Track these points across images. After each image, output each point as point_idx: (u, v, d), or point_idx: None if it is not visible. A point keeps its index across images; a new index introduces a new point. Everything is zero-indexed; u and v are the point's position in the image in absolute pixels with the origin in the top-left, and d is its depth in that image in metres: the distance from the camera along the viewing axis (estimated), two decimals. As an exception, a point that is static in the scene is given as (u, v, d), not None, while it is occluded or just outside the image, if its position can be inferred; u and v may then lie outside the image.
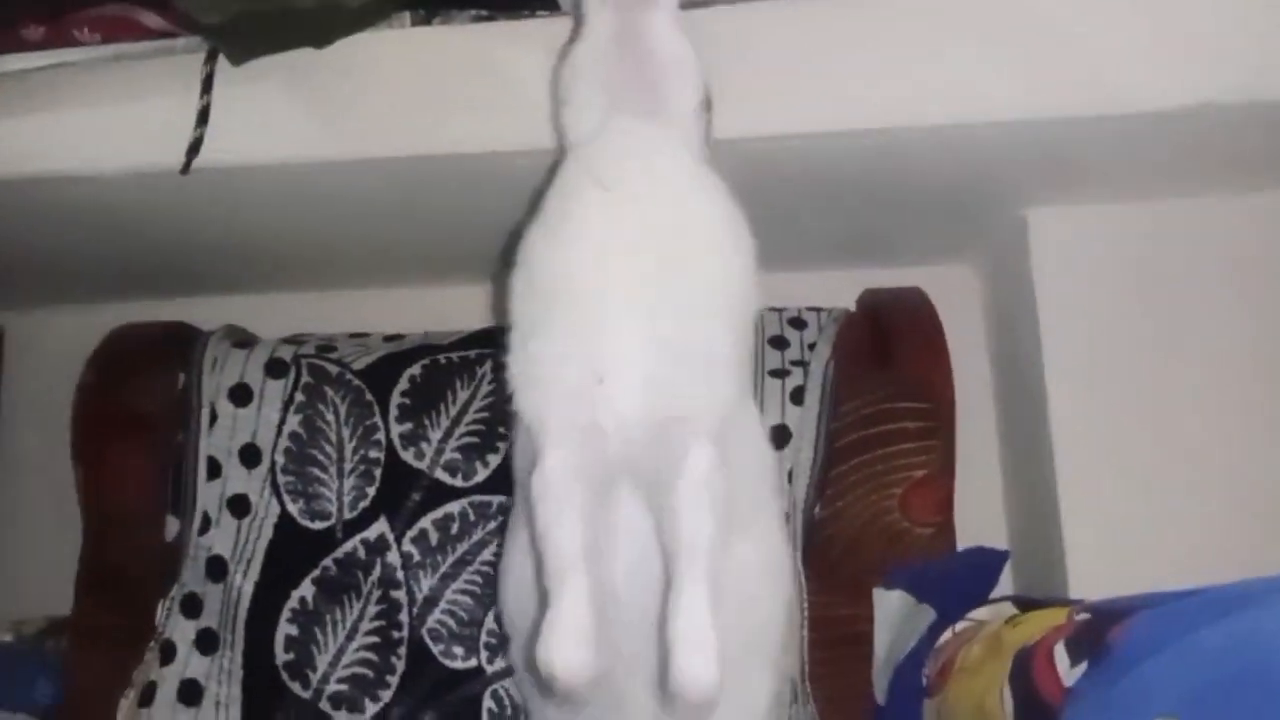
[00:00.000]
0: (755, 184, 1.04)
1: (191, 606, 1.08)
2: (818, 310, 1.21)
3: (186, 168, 0.91)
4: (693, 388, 0.71)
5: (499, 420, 1.12)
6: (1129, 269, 1.11)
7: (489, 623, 1.06)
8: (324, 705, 1.05)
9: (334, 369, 1.14)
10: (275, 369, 1.14)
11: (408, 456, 1.10)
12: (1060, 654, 0.62)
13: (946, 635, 0.88)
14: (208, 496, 1.10)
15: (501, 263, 0.87)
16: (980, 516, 1.17)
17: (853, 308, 1.24)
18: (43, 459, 1.27)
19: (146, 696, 1.04)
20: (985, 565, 1.01)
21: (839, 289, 1.26)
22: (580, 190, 0.76)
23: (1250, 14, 0.89)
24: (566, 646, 0.65)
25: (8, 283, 1.31)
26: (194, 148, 0.92)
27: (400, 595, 1.07)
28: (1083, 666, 0.59)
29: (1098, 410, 1.09)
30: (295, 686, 1.05)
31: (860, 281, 1.27)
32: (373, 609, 1.07)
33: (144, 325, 1.23)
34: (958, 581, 0.98)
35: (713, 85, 0.84)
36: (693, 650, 0.65)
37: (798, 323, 1.19)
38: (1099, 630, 0.59)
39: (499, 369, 1.14)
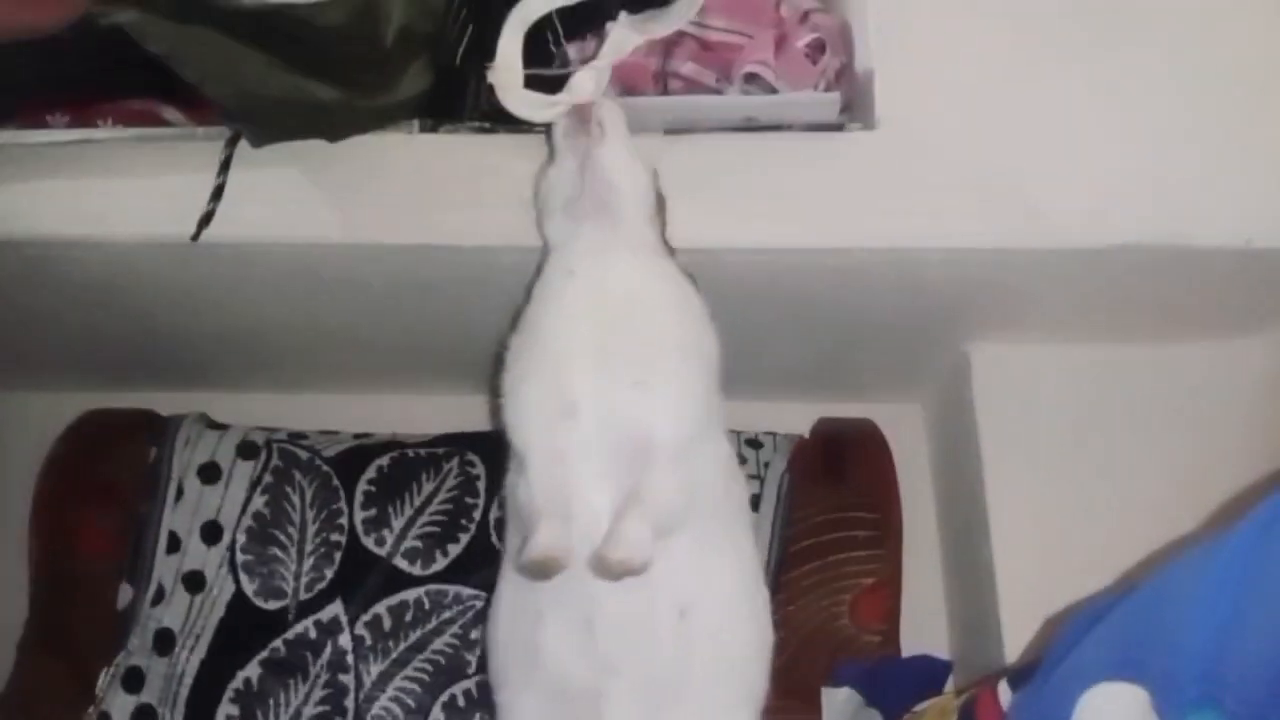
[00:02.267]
0: (726, 299, 1.13)
1: (133, 681, 1.06)
2: (773, 434, 1.27)
3: (196, 236, 0.97)
4: (652, 416, 0.84)
5: (461, 513, 1.15)
6: (1066, 407, 1.19)
7: (436, 711, 1.05)
8: (260, 792, 1.02)
9: (304, 454, 1.17)
10: (247, 450, 1.16)
11: (369, 542, 1.12)
12: (1003, 690, 0.65)
13: (895, 725, 0.89)
14: (164, 569, 1.10)
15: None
16: (923, 634, 1.19)
17: (807, 435, 1.30)
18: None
19: (77, 770, 1.01)
20: (930, 673, 1.03)
21: (795, 419, 1.33)
22: (555, 278, 0.92)
23: (1177, 163, 1.00)
24: (545, 532, 0.79)
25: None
26: (205, 220, 0.98)
27: (348, 679, 1.06)
28: (1021, 692, 0.62)
29: (1037, 538, 1.14)
30: (231, 770, 1.03)
31: (814, 414, 1.35)
32: (319, 693, 1.06)
33: (117, 409, 1.25)
34: (903, 686, 0.99)
35: (668, 196, 0.99)
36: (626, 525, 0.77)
37: (754, 443, 1.25)
38: (1036, 658, 0.62)
39: (465, 466, 1.19)
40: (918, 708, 0.90)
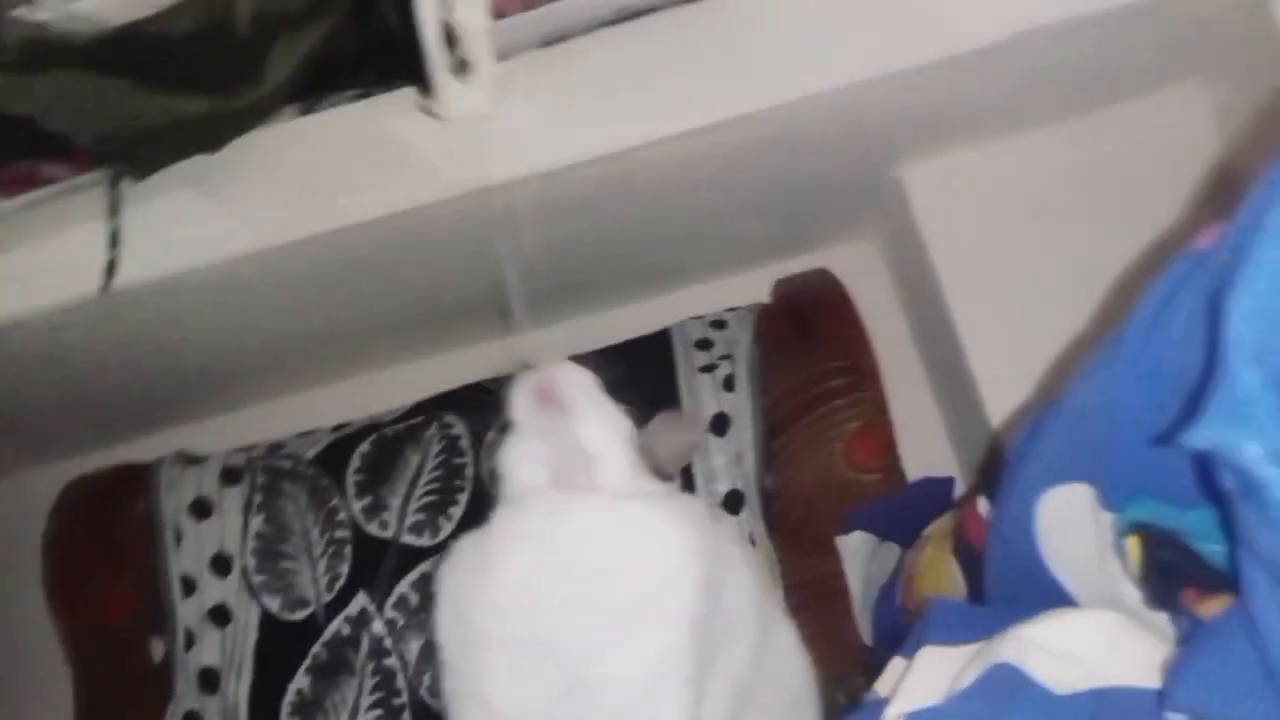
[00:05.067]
0: (653, 196, 1.12)
1: (192, 723, 1.08)
2: (735, 309, 1.27)
3: (105, 287, 0.96)
4: None
5: (453, 475, 1.16)
6: (1005, 200, 1.18)
7: (484, 667, 1.08)
8: (341, 788, 1.05)
9: (287, 464, 1.17)
10: (230, 476, 1.17)
11: (373, 529, 1.13)
12: (982, 504, 0.67)
13: (909, 554, 0.91)
14: (187, 612, 1.11)
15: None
16: (929, 456, 1.21)
17: (768, 300, 1.30)
18: (22, 622, 1.27)
19: (162, 819, 1.04)
20: (934, 493, 1.05)
21: (758, 286, 1.33)
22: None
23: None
24: None
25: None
26: (110, 269, 0.96)
27: (393, 662, 1.09)
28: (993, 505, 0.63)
29: (1006, 332, 1.14)
30: (308, 777, 1.06)
31: (775, 275, 1.34)
32: (369, 682, 1.09)
33: (96, 472, 1.26)
34: (911, 513, 1.01)
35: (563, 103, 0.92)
36: None
37: (719, 324, 1.25)
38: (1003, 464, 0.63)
39: (445, 429, 1.19)
40: (926, 531, 0.91)
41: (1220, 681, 0.40)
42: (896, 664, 0.56)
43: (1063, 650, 0.46)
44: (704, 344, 1.22)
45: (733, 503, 1.09)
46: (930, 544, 0.82)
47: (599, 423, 0.78)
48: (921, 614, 0.59)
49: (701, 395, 1.14)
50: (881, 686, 0.55)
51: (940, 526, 0.83)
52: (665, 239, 1.25)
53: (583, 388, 0.80)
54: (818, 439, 1.09)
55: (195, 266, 1.00)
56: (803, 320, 1.22)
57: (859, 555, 1.03)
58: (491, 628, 0.73)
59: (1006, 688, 0.46)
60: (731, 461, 1.11)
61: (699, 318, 1.27)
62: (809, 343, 1.18)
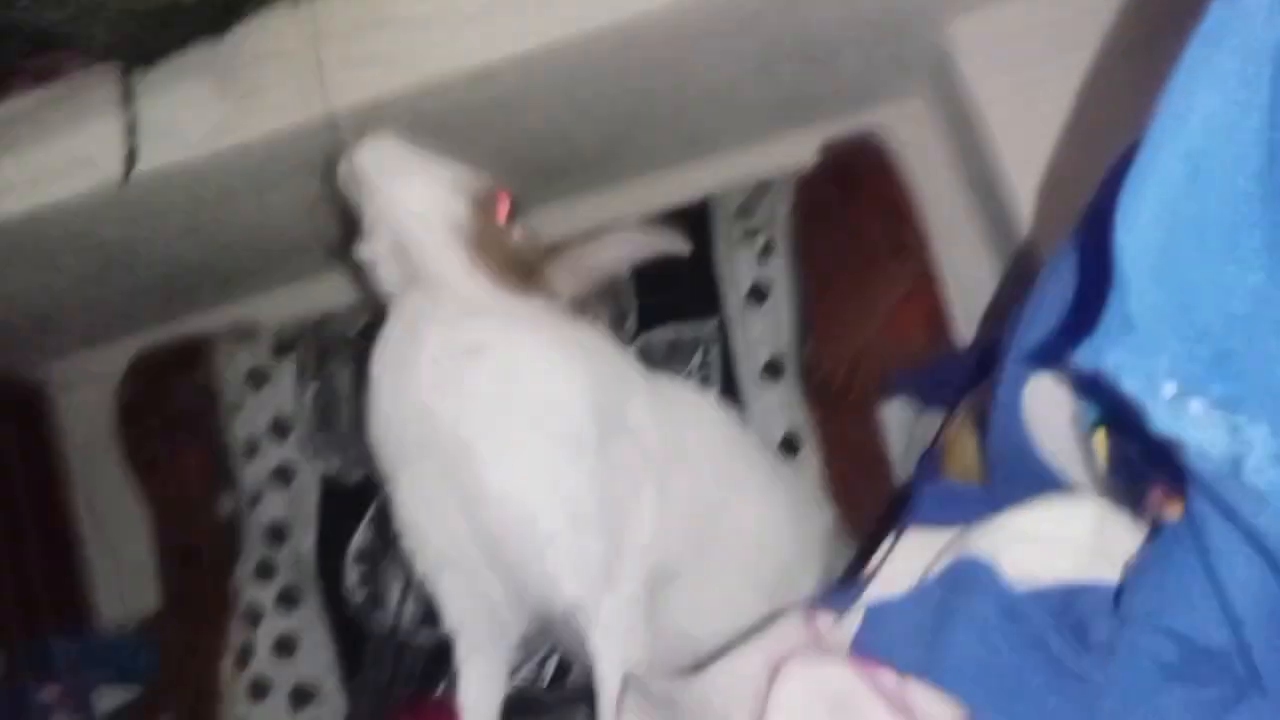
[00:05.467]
0: (693, 56, 1.07)
1: (265, 571, 1.16)
2: (778, 175, 1.23)
3: (126, 177, 0.97)
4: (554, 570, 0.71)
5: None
6: (1052, 50, 1.10)
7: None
8: (404, 631, 1.12)
9: (334, 336, 1.21)
10: (282, 349, 1.21)
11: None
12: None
13: (946, 424, 0.90)
14: (252, 473, 1.18)
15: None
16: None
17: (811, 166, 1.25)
18: (110, 480, 1.36)
19: (243, 657, 1.13)
20: (982, 362, 1.02)
21: (807, 149, 1.28)
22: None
23: None
24: None
25: (42, 337, 1.40)
26: (130, 158, 0.97)
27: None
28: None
29: (1061, 191, 1.09)
30: (375, 619, 1.13)
31: (824, 137, 1.28)
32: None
33: (159, 345, 1.31)
34: (954, 379, 0.99)
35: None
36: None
37: (760, 189, 1.21)
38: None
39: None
40: (964, 401, 0.90)
41: (1168, 595, 0.39)
42: (888, 544, 0.57)
43: (1044, 538, 0.45)
44: (744, 212, 1.19)
45: (772, 371, 1.09)
46: (962, 416, 0.80)
47: (403, 201, 0.73)
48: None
49: (739, 265, 1.13)
50: (871, 565, 0.56)
51: (971, 399, 0.81)
52: (704, 101, 1.21)
53: (386, 160, 0.74)
54: (861, 305, 1.07)
55: (213, 151, 1.00)
56: (847, 185, 1.18)
57: (902, 422, 1.02)
58: (392, 461, 0.77)
59: (966, 583, 0.45)
60: (770, 330, 1.10)
61: (740, 185, 1.23)
62: (853, 208, 1.15)
